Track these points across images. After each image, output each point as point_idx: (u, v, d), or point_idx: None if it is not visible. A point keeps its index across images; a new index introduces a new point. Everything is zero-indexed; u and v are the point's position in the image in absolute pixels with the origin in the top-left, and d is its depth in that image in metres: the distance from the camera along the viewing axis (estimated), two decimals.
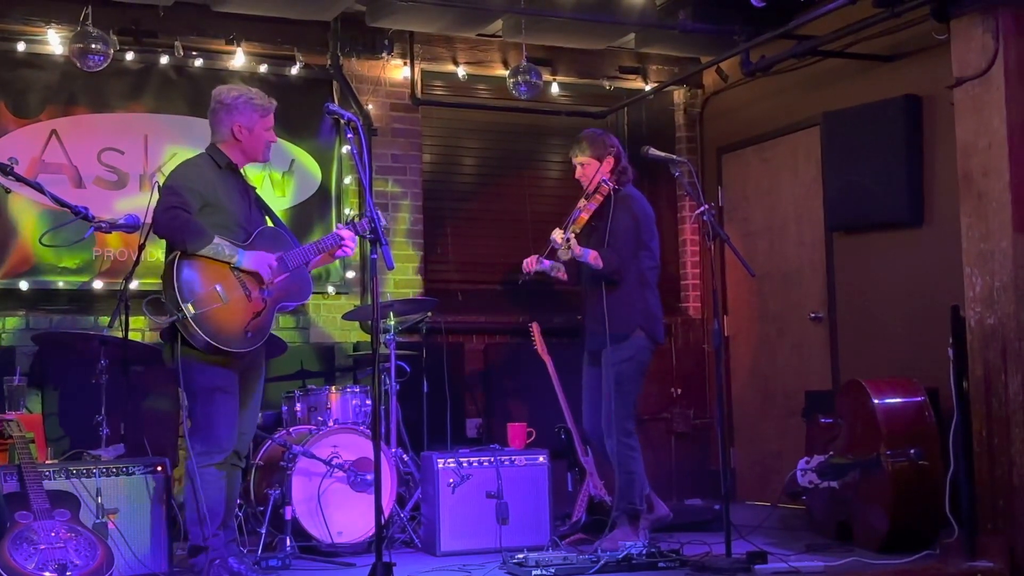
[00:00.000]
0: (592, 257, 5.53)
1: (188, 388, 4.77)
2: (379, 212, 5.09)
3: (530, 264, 5.75)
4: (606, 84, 8.10)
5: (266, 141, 4.96)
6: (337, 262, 6.97)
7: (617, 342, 5.59)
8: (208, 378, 4.72)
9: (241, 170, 5.01)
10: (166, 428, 6.33)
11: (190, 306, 4.59)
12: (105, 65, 6.49)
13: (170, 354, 4.73)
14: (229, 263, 4.71)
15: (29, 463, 4.80)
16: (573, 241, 5.52)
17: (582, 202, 5.72)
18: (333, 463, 5.62)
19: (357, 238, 5.07)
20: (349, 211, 7.29)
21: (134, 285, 5.56)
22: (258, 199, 5.09)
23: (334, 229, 7.10)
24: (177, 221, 4.63)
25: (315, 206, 7.24)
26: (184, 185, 4.75)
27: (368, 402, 6.09)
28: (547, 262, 5.78)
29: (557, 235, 5.58)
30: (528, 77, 7.25)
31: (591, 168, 5.75)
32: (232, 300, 4.69)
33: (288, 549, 5.41)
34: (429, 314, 6.75)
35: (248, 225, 4.88)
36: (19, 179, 4.42)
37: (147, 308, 4.88)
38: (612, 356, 5.60)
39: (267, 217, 5.08)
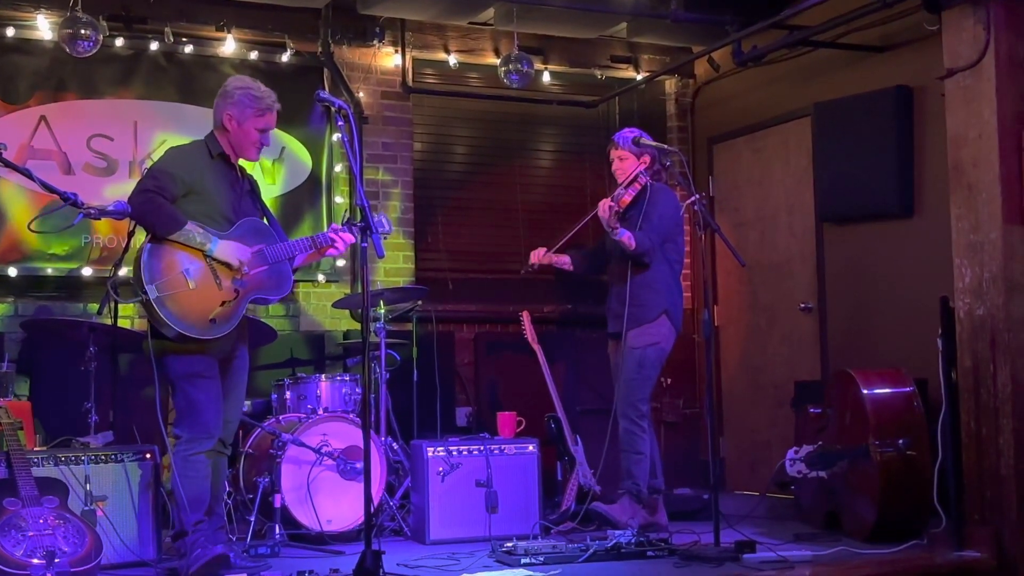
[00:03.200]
0: (627, 236, 5.70)
1: (166, 378, 4.76)
2: (385, 217, 5.08)
3: (537, 255, 5.97)
4: (598, 73, 8.10)
5: (255, 140, 4.86)
6: None
7: (642, 325, 5.79)
8: (184, 365, 4.71)
9: (236, 162, 4.97)
10: (155, 416, 6.32)
11: (154, 288, 4.57)
12: (95, 51, 6.45)
13: (147, 346, 4.72)
14: (201, 250, 4.69)
15: (17, 450, 4.78)
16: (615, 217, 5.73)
17: (621, 188, 5.89)
18: (322, 451, 5.62)
19: (351, 238, 4.99)
20: (340, 199, 7.27)
21: (123, 272, 5.54)
22: (252, 192, 5.06)
23: (326, 218, 7.20)
24: (149, 204, 4.61)
25: (305, 194, 7.23)
26: (165, 170, 4.73)
27: (358, 390, 6.09)
28: (555, 257, 6.00)
29: (604, 204, 5.75)
30: (520, 66, 7.23)
31: (629, 163, 5.94)
32: (200, 287, 4.66)
33: (277, 537, 5.40)
34: (419, 303, 6.75)
35: (234, 216, 4.84)
36: (8, 165, 4.39)
37: (112, 288, 4.84)
38: (637, 339, 5.78)
39: (259, 210, 5.05)
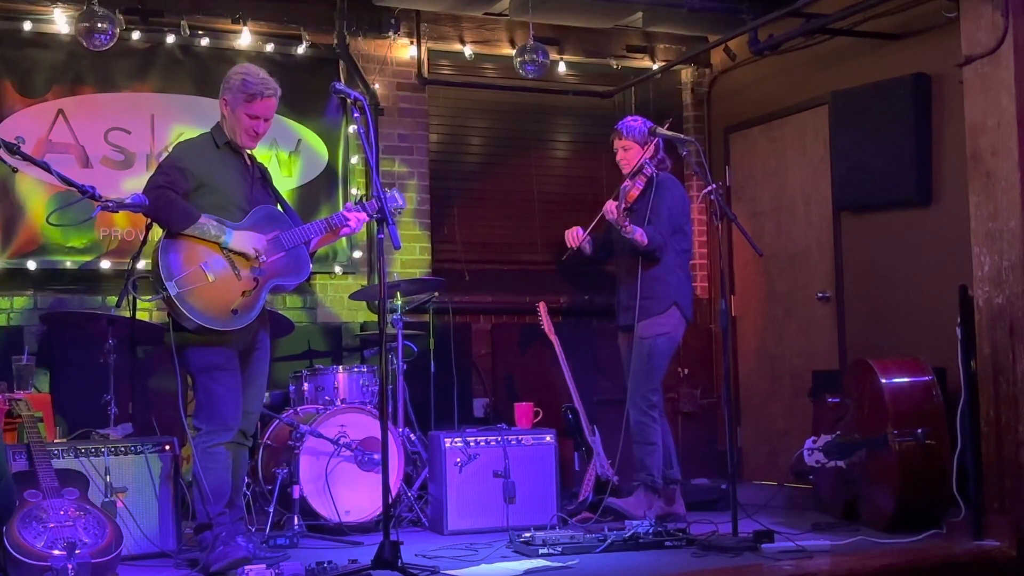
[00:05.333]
0: (640, 234, 5.71)
1: (186, 370, 4.78)
2: (398, 192, 5.09)
3: (575, 239, 5.95)
4: (613, 63, 8.08)
5: (246, 127, 4.82)
6: (344, 241, 6.97)
7: (652, 316, 5.80)
8: (204, 357, 4.72)
9: (244, 149, 4.97)
10: (174, 407, 6.34)
11: (174, 284, 4.58)
12: (111, 44, 6.47)
13: (168, 339, 4.74)
14: (217, 243, 4.70)
15: (38, 442, 4.82)
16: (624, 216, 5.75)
17: (628, 182, 5.92)
18: (340, 442, 5.64)
19: (364, 216, 5.03)
20: (356, 191, 7.28)
21: (141, 265, 5.56)
22: (263, 179, 5.06)
23: (342, 207, 7.20)
24: (160, 201, 4.61)
25: (322, 186, 7.24)
26: (174, 164, 4.75)
27: (375, 382, 6.11)
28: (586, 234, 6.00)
29: (611, 206, 5.76)
30: (535, 56, 7.22)
31: (633, 153, 5.95)
32: (219, 279, 4.67)
33: (296, 528, 5.43)
34: (436, 294, 6.76)
35: (247, 204, 4.85)
36: (26, 158, 4.41)
37: (132, 286, 4.87)
38: (646, 330, 5.81)
39: (272, 197, 5.06)
